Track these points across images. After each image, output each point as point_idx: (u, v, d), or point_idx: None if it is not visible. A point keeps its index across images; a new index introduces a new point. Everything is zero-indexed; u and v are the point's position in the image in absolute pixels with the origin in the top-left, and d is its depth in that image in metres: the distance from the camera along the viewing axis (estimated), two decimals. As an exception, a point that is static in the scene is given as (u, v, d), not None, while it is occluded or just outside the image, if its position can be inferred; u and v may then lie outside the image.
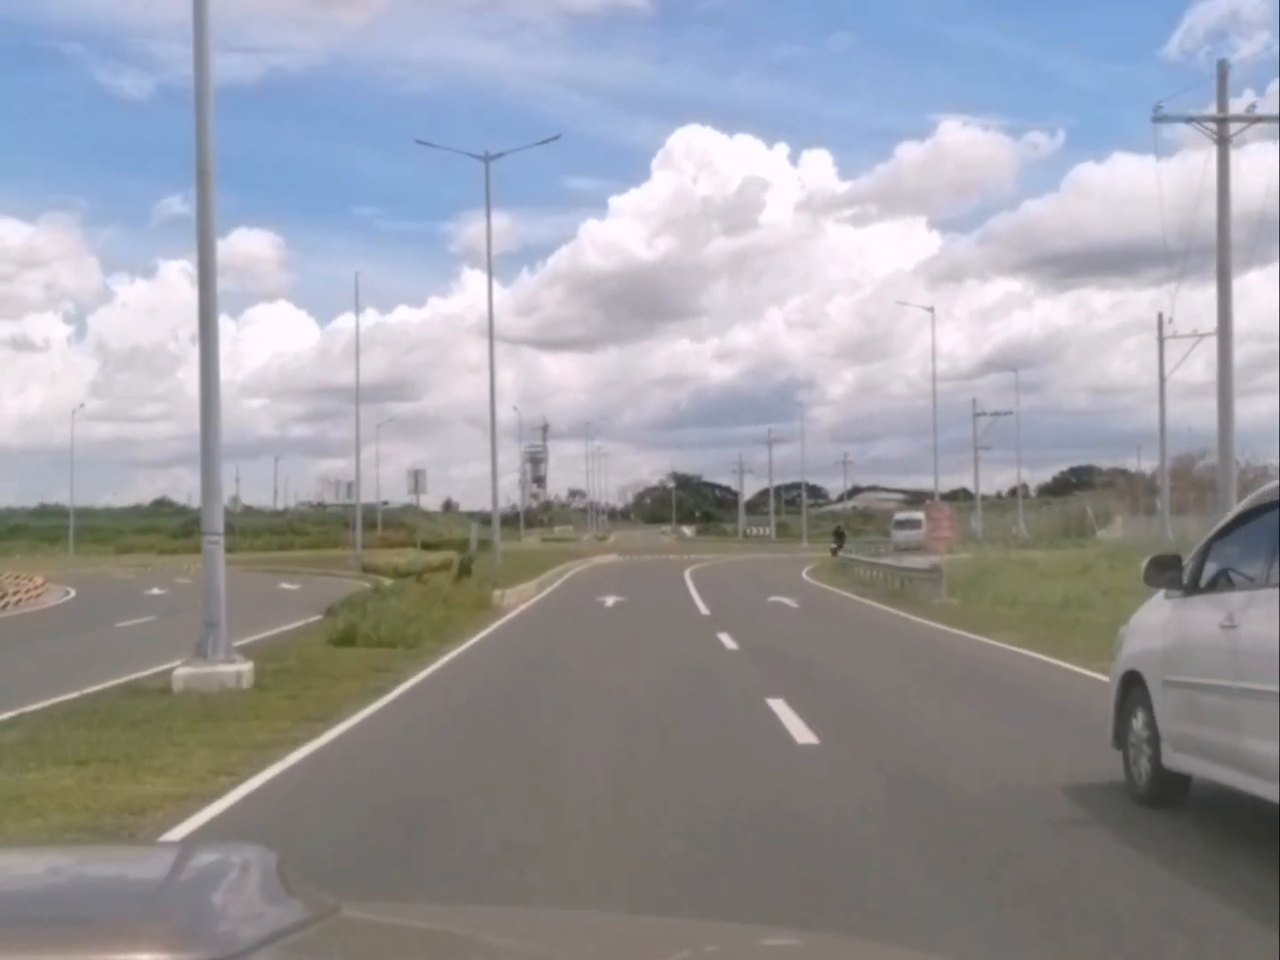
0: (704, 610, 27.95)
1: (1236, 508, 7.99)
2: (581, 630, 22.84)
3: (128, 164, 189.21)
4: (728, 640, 20.05)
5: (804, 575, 48.31)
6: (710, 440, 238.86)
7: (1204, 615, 7.34)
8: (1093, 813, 7.76)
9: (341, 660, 16.88)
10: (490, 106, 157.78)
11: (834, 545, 62.51)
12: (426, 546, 57.78)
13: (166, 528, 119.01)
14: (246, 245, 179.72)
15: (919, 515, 74.36)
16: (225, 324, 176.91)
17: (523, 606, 29.37)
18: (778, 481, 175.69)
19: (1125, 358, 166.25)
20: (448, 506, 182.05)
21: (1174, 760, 7.58)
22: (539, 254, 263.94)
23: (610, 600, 31.13)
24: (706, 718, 11.97)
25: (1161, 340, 61.46)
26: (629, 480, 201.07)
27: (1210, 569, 7.67)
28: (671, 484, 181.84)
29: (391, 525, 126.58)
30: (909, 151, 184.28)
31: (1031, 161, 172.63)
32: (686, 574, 48.24)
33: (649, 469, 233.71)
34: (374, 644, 18.52)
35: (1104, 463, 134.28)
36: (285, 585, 44.08)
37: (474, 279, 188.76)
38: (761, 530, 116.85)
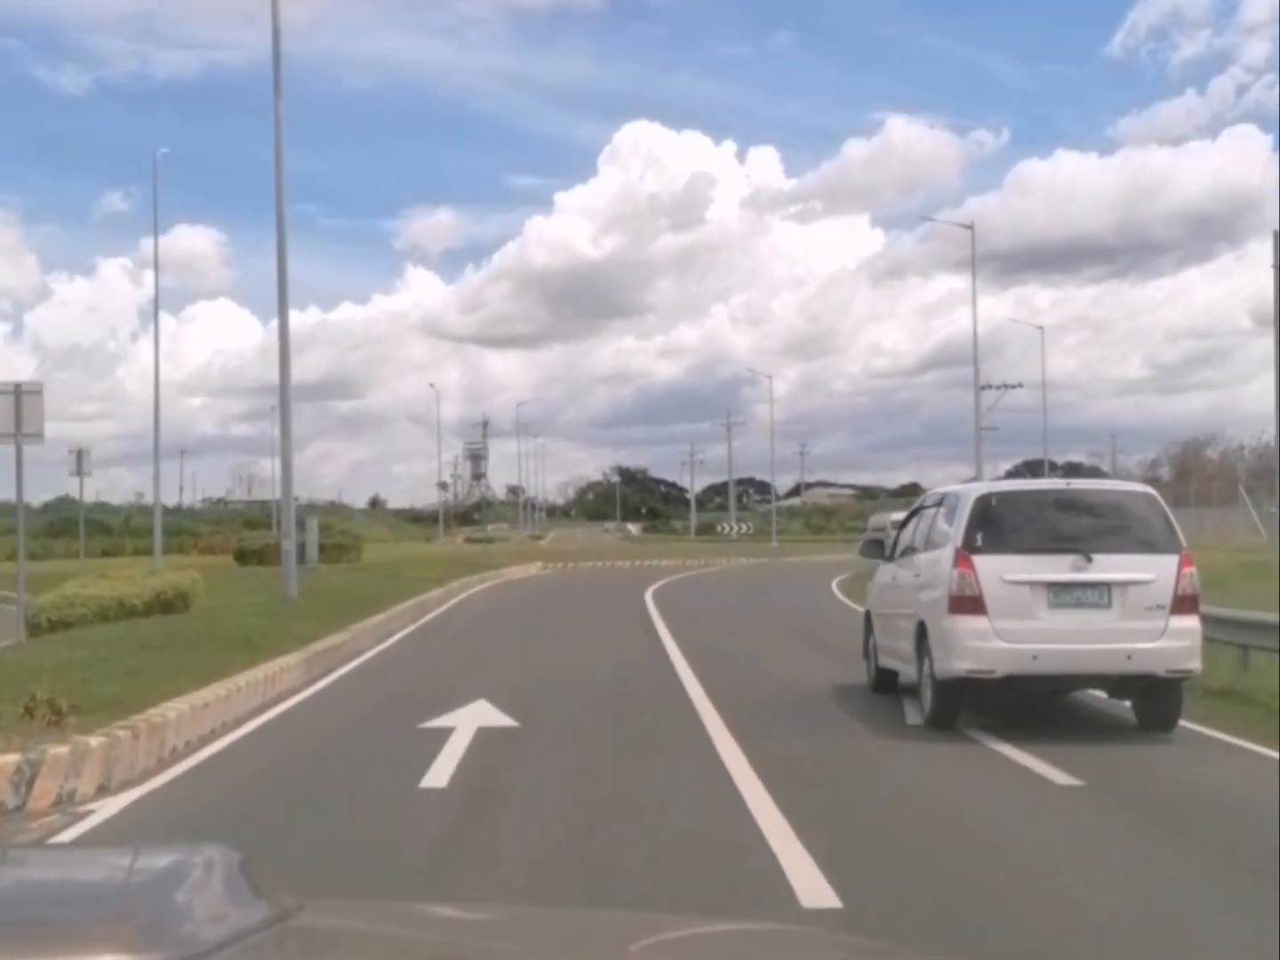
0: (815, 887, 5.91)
1: (913, 506, 12.97)
2: None
3: (67, 160, 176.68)
4: None
5: (847, 601, 27.13)
6: (654, 438, 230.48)
7: (889, 573, 12.31)
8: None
9: None
10: (431, 103, 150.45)
11: None
12: (245, 557, 36.26)
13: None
14: (188, 242, 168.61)
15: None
16: (166, 321, 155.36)
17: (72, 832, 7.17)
18: (723, 479, 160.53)
19: (1065, 354, 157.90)
20: (374, 504, 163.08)
21: (884, 662, 12.13)
22: (484, 251, 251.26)
23: (459, 751, 9.33)
24: None
25: (1279, 268, 46.70)
26: (570, 476, 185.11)
27: (899, 546, 12.24)
28: (615, 478, 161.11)
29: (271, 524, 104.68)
30: (855, 149, 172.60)
31: (976, 159, 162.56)
32: (651, 604, 26.59)
33: (592, 466, 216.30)
34: None
35: (1056, 457, 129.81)
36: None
37: (418, 276, 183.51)
38: (733, 528, 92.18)
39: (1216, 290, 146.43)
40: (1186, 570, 9.95)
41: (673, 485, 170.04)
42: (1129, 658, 9.76)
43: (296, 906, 1.61)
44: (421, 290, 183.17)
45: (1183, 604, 9.87)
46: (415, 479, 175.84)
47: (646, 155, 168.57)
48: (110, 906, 1.51)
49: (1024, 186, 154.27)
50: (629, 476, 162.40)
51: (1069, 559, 9.85)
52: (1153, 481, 77.39)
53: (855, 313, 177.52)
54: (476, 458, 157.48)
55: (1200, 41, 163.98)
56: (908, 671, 11.06)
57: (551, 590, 33.96)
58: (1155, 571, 9.88)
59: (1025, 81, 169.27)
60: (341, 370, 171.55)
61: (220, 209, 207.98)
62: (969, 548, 9.95)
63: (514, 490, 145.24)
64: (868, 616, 13.03)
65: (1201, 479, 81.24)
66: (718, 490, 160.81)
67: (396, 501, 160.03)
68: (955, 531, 10.16)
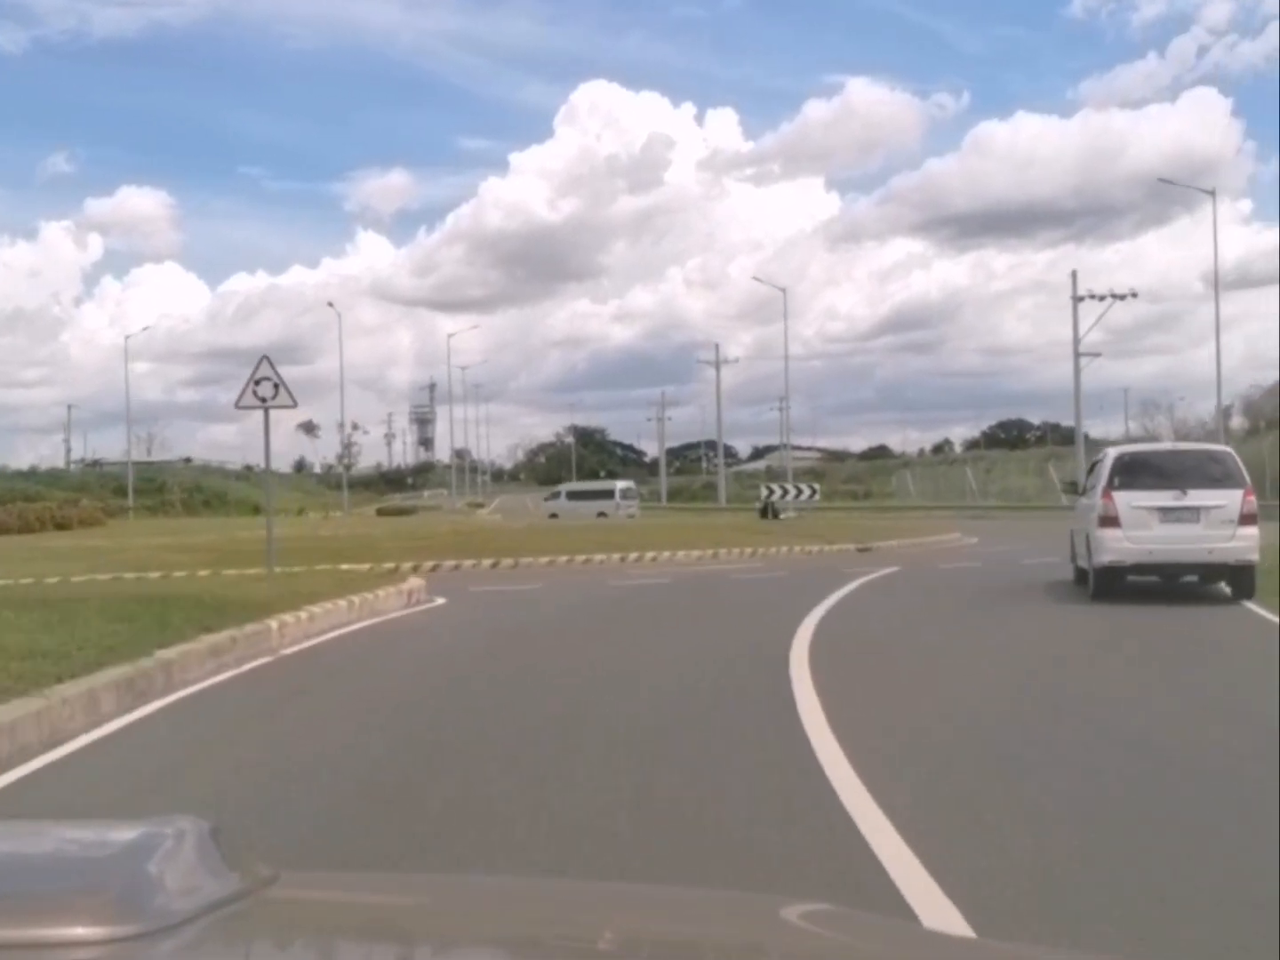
0: None
1: (1093, 460, 17.92)
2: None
3: (6, 122, 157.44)
4: None
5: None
6: (609, 403, 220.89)
7: (1081, 504, 16.92)
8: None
9: None
10: (380, 64, 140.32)
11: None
12: None
13: None
14: (134, 203, 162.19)
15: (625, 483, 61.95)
16: (110, 284, 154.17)
17: None
18: (683, 443, 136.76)
19: (1019, 319, 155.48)
20: (300, 468, 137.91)
21: (1079, 563, 16.67)
22: (435, 214, 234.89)
23: None
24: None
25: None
26: (520, 438, 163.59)
27: (1087, 485, 16.97)
28: (570, 440, 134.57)
29: (150, 491, 78.35)
30: (815, 110, 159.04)
31: (938, 121, 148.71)
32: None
33: (546, 431, 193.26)
34: None
35: (1014, 416, 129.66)
36: None
37: (368, 239, 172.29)
38: (791, 491, 47.75)
39: (1172, 254, 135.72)
40: (1249, 499, 14.84)
41: (630, 448, 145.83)
42: (1210, 552, 14.69)
43: (271, 877, 1.49)
44: (372, 254, 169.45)
45: (1245, 519, 14.67)
46: (364, 445, 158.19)
47: (605, 116, 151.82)
48: (82, 878, 1.39)
49: (982, 148, 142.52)
50: (585, 437, 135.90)
51: (1172, 493, 14.81)
52: (1221, 434, 59.50)
53: (811, 277, 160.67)
54: (423, 422, 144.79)
55: (1162, 2, 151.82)
56: (1086, 564, 15.94)
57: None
58: (1227, 500, 14.75)
59: (980, 46, 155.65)
60: (293, 335, 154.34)
61: (167, 170, 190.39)
62: (1110, 487, 15.05)
63: (458, 453, 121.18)
64: (1070, 534, 17.78)
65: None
66: (677, 454, 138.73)
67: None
68: (1102, 476, 15.34)
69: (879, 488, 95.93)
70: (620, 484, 61.72)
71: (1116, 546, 14.80)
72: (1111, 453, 16.05)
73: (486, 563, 24.62)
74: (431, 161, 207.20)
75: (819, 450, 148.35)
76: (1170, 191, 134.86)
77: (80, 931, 1.18)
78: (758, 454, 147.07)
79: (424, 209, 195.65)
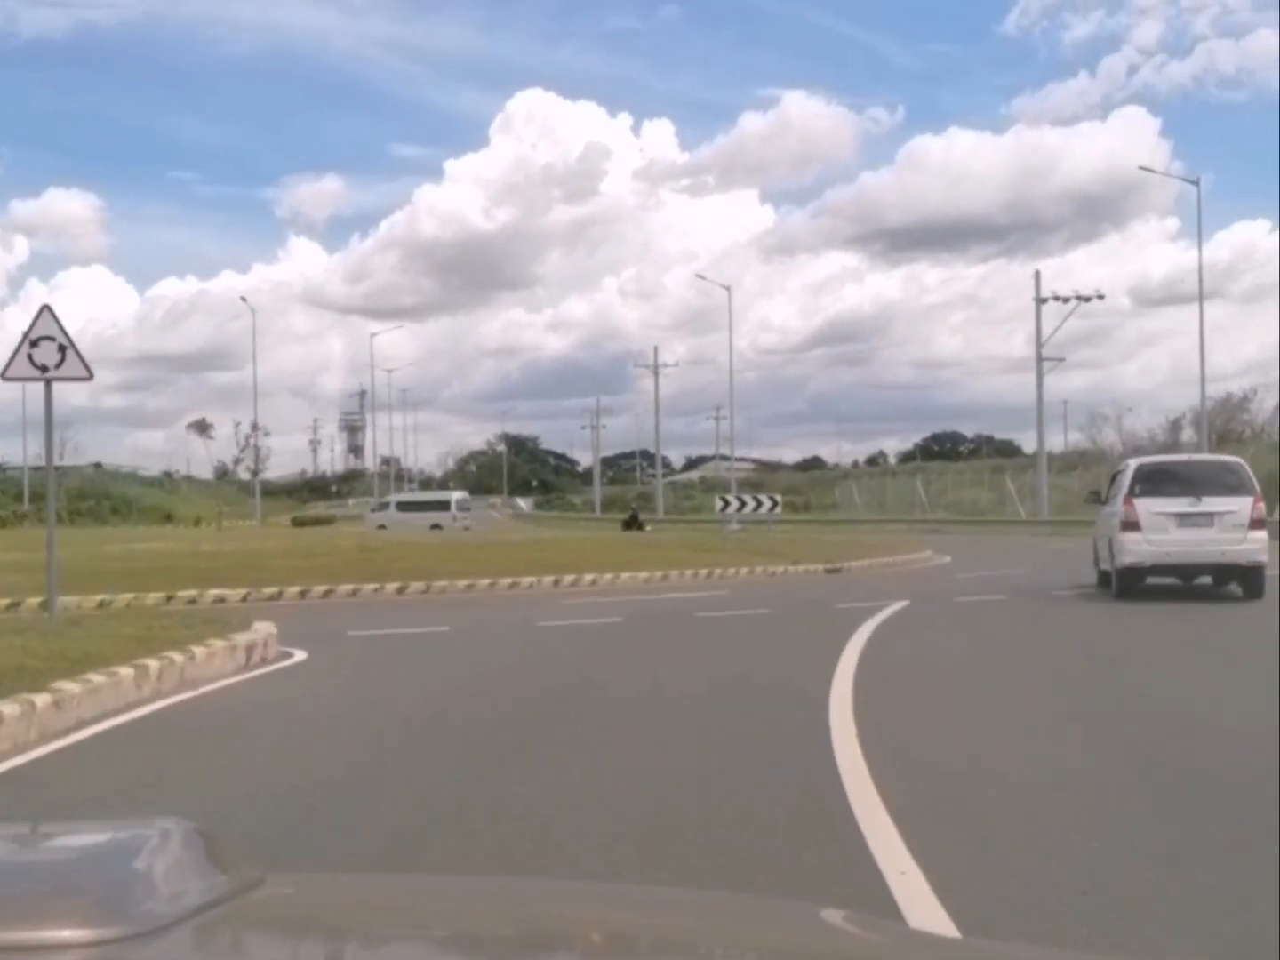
0: None
1: (1115, 470, 19.49)
2: None
3: None
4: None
5: None
6: (542, 412, 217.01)
7: (1103, 512, 17.87)
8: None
9: None
10: (314, 70, 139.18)
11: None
12: None
13: None
14: (62, 205, 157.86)
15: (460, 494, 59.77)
16: (36, 287, 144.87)
17: None
18: (615, 452, 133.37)
19: (951, 332, 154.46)
20: (222, 475, 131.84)
21: (1102, 566, 17.61)
22: (369, 221, 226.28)
23: None
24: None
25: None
26: (451, 446, 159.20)
27: (1109, 494, 17.71)
28: (501, 447, 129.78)
29: (81, 495, 73.08)
30: (752, 123, 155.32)
31: (872, 136, 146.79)
32: None
33: (478, 440, 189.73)
34: None
35: (947, 430, 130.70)
36: None
37: (300, 245, 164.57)
38: (739, 503, 34.96)
39: (1100, 270, 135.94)
40: (1259, 505, 16.01)
41: (563, 457, 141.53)
42: (1223, 554, 15.78)
43: (258, 879, 1.44)
44: (305, 260, 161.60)
45: (1255, 524, 15.81)
46: (295, 453, 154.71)
47: (541, 125, 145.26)
48: (66, 880, 1.33)
49: (916, 163, 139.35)
50: (518, 445, 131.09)
51: (1188, 499, 15.89)
52: (1173, 446, 61.70)
53: (745, 288, 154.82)
54: (352, 429, 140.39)
55: (1093, 21, 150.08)
56: (1108, 566, 16.87)
57: None
58: (1239, 506, 15.87)
59: (914, 61, 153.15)
60: (222, 341, 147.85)
61: (96, 173, 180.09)
62: (1131, 494, 16.14)
63: (386, 461, 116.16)
64: (1094, 541, 18.70)
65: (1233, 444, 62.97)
66: (611, 463, 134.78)
67: (267, 474, 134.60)
68: (1124, 485, 16.46)
69: (818, 499, 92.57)
70: (456, 495, 59.60)
71: (1137, 549, 15.98)
72: (1133, 463, 17.46)
73: (391, 587, 20.09)
74: (365, 168, 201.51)
75: (753, 461, 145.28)
76: (1099, 209, 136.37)
77: (65, 934, 1.15)
78: (691, 464, 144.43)
79: (357, 215, 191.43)
